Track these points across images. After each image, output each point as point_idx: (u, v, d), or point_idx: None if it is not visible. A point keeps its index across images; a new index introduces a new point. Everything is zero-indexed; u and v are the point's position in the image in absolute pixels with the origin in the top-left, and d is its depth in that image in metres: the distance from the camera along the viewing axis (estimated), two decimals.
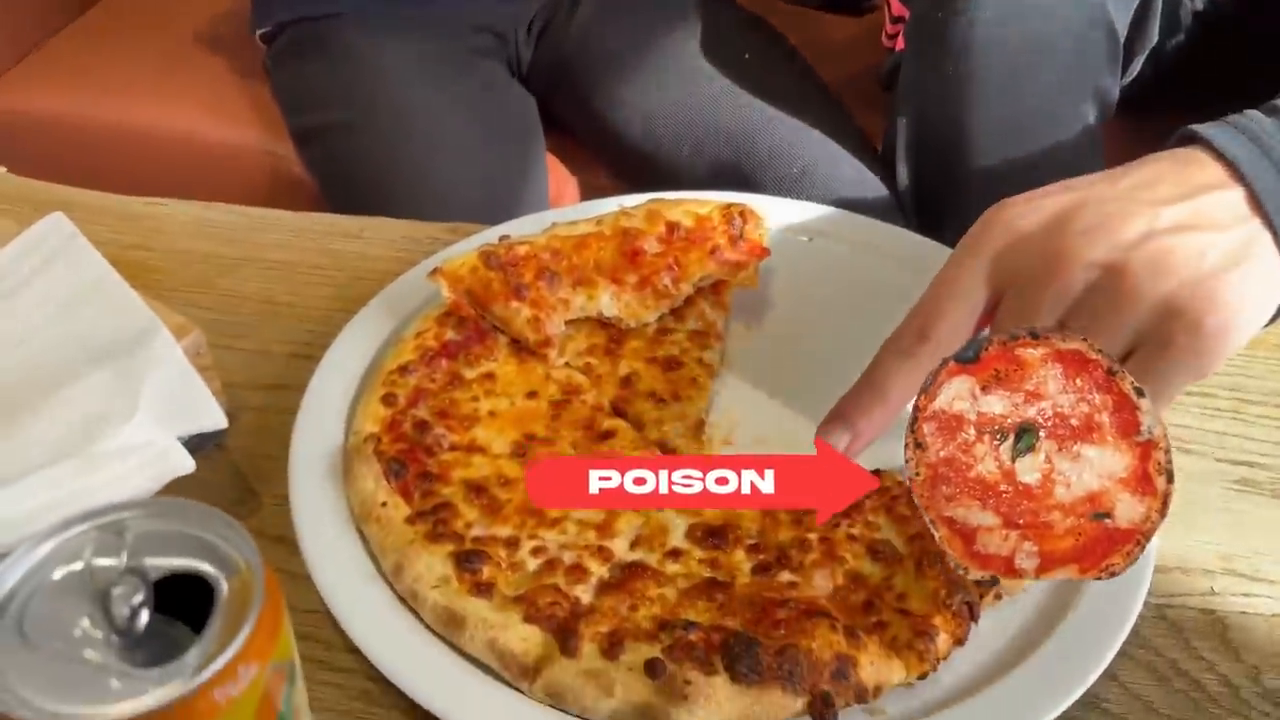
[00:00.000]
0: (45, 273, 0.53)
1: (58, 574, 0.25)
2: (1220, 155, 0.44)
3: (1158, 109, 0.92)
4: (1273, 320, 0.45)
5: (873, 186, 0.78)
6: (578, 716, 0.40)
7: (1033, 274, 0.42)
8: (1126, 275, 0.42)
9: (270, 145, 0.90)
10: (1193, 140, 0.46)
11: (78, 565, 0.25)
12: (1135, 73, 0.76)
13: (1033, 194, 0.45)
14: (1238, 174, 0.44)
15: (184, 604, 0.25)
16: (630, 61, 0.86)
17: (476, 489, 0.48)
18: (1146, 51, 0.74)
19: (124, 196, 0.70)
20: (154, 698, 0.23)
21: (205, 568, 0.25)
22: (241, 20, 0.96)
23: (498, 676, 0.41)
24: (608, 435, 0.51)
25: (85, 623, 0.24)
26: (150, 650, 0.24)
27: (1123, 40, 0.72)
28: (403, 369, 0.52)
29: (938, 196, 0.76)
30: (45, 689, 0.23)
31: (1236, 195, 0.44)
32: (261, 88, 0.92)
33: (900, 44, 0.77)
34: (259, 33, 0.92)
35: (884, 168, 0.79)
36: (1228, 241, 0.43)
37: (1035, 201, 0.45)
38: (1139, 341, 0.42)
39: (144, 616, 0.24)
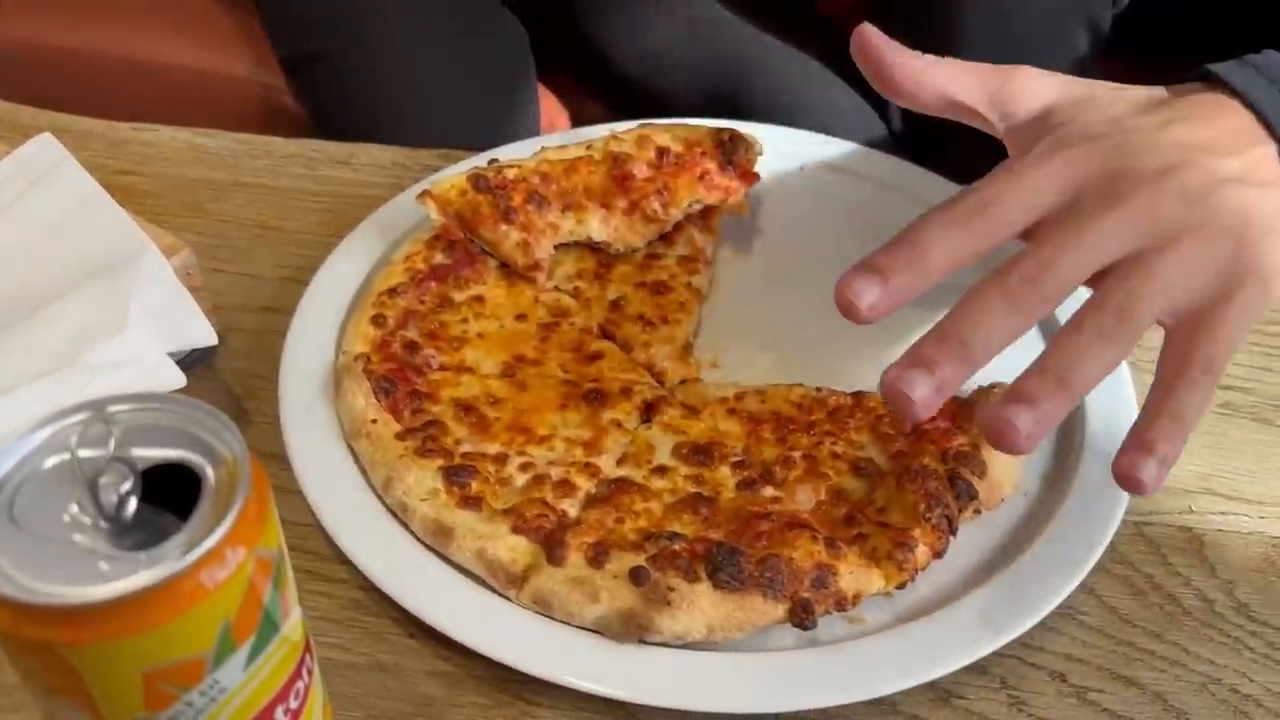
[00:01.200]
0: (34, 193, 0.53)
1: (48, 462, 0.25)
2: (1249, 105, 0.44)
3: (1151, 41, 0.92)
4: None
5: (867, 117, 0.77)
6: (564, 622, 0.41)
7: (1101, 201, 0.40)
8: (1201, 227, 0.40)
9: (261, 75, 0.89)
10: (1212, 79, 0.45)
11: (65, 454, 0.25)
12: (1126, 1, 0.75)
13: (1111, 124, 0.43)
14: (1266, 125, 0.43)
15: (172, 494, 0.26)
16: None
17: (465, 407, 0.48)
18: None
19: (112, 122, 0.69)
20: (142, 579, 0.23)
21: (192, 457, 0.26)
22: None
23: (485, 585, 0.42)
24: (596, 357, 0.52)
25: (74, 509, 0.25)
26: (139, 536, 0.25)
27: None
28: (392, 291, 0.52)
29: (928, 127, 0.75)
30: (36, 570, 0.24)
31: (1271, 150, 0.43)
32: (252, 18, 0.91)
33: None
34: None
35: (878, 101, 0.79)
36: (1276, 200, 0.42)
37: (1118, 138, 0.42)
38: (1201, 295, 0.39)
39: (132, 504, 0.25)
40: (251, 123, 0.89)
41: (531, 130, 0.85)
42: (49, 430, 0.26)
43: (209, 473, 0.26)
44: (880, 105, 0.79)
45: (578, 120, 0.92)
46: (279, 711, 0.28)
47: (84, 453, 0.25)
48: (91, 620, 0.24)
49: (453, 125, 0.78)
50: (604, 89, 0.89)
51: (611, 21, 0.85)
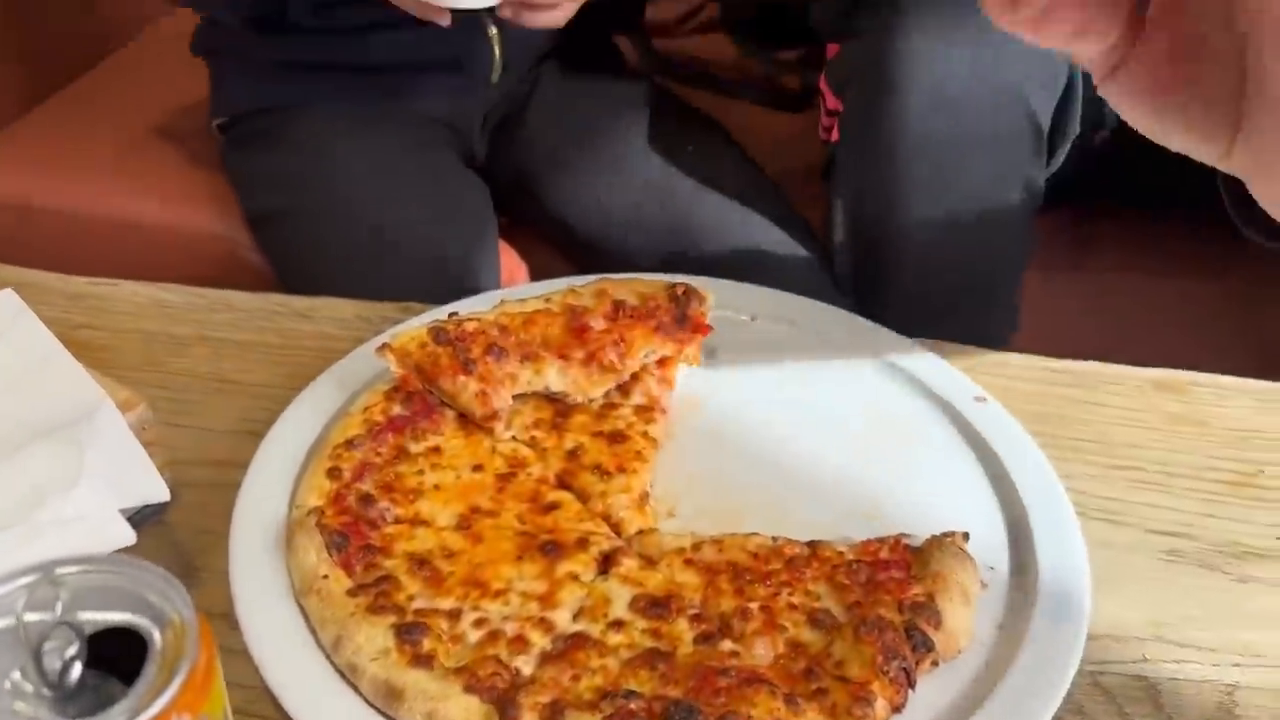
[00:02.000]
0: None
1: None
2: None
3: (1088, 196, 0.97)
4: None
5: (813, 270, 0.80)
6: None
7: None
8: None
9: (224, 230, 0.91)
10: None
11: (11, 619, 0.25)
12: (1059, 163, 0.79)
13: None
14: None
15: (118, 657, 0.25)
16: (581, 156, 0.89)
17: (419, 561, 0.48)
18: (1069, 143, 0.78)
19: (71, 276, 0.70)
20: None
21: (139, 621, 0.26)
22: (196, 111, 0.98)
23: None
24: (553, 508, 0.52)
25: (17, 675, 0.24)
26: (83, 703, 0.24)
27: (1046, 133, 0.75)
28: (349, 443, 0.53)
29: (875, 281, 0.78)
30: None
31: None
32: (215, 175, 0.94)
33: (835, 136, 0.80)
34: (216, 122, 0.94)
35: (823, 253, 0.82)
36: None
37: None
38: None
39: (76, 669, 0.25)
40: (213, 276, 0.90)
41: (492, 285, 0.87)
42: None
43: (156, 637, 0.25)
44: (824, 253, 0.82)
45: (538, 275, 0.94)
46: None
47: (30, 617, 0.25)
48: None
49: (416, 280, 0.80)
50: (563, 246, 0.92)
51: (571, 184, 0.89)
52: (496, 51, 0.92)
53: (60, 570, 0.26)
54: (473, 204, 0.89)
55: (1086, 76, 0.73)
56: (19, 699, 0.24)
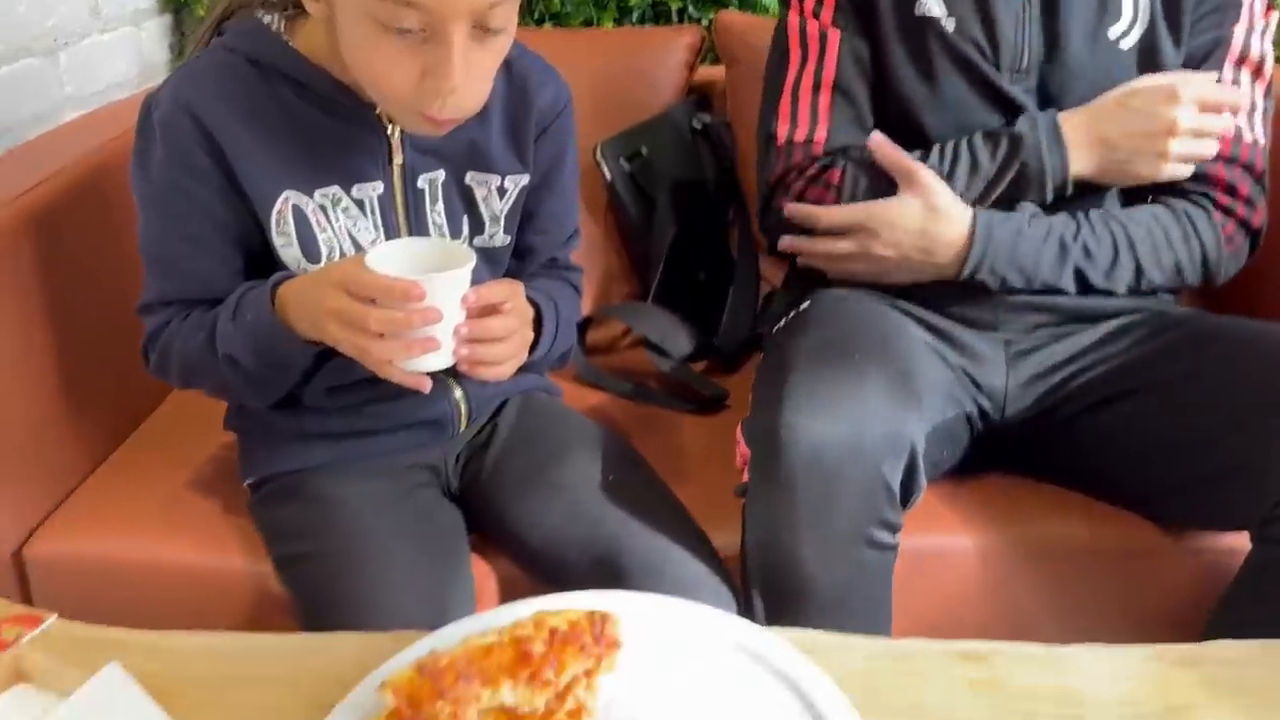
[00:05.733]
0: (105, 712, 0.72)
1: None
2: None
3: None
4: None
5: (711, 580, 1.01)
6: None
7: None
8: None
9: (255, 569, 1.11)
10: None
11: None
12: (918, 500, 1.03)
13: None
14: None
15: None
16: (528, 487, 1.11)
17: None
18: (919, 493, 1.02)
19: (142, 632, 0.89)
20: None
21: None
22: (231, 469, 1.20)
23: None
24: None
25: None
26: None
27: (898, 490, 0.99)
28: None
29: (778, 591, 1.00)
30: None
31: None
32: (245, 522, 1.15)
33: (746, 476, 1.04)
34: (246, 483, 1.16)
35: (719, 564, 1.04)
36: None
37: None
38: None
39: None
40: (248, 607, 1.10)
41: (468, 594, 1.07)
42: None
43: None
44: (723, 572, 1.03)
45: (501, 577, 1.15)
46: None
47: None
48: None
49: (405, 604, 0.99)
50: (517, 555, 1.13)
51: (519, 508, 1.11)
52: (463, 409, 1.16)
53: None
54: (449, 533, 1.10)
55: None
56: None
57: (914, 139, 1.21)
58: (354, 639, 0.88)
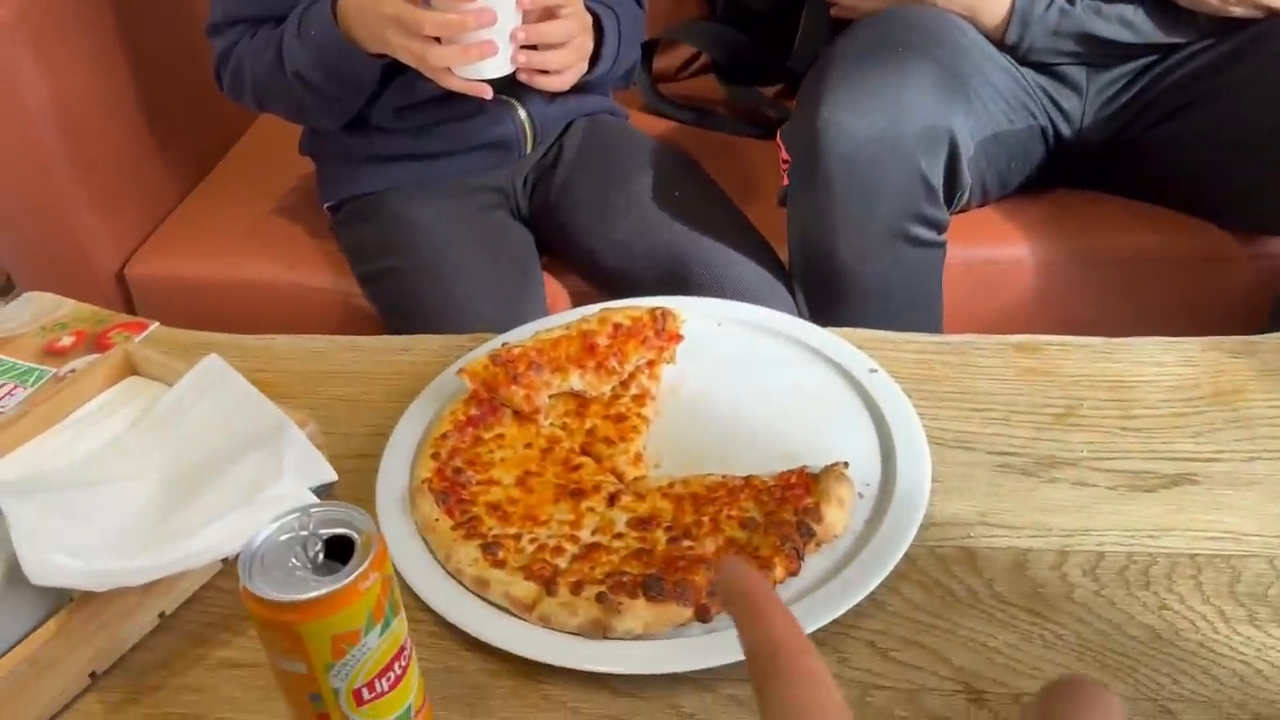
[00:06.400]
0: (209, 394, 0.79)
1: (281, 536, 0.50)
2: None
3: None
4: None
5: (771, 283, 1.03)
6: (559, 630, 0.64)
7: None
8: None
9: (342, 286, 1.16)
10: None
11: (289, 533, 0.50)
12: (963, 202, 1.01)
13: None
14: None
15: (340, 549, 0.50)
16: (596, 204, 1.12)
17: (494, 507, 0.72)
18: (965, 191, 0.99)
19: (241, 335, 0.96)
20: (330, 585, 0.47)
21: (348, 532, 0.50)
22: (306, 193, 1.24)
23: (510, 613, 0.65)
24: (578, 468, 0.76)
25: (294, 560, 0.49)
26: (326, 570, 0.49)
27: (940, 186, 0.97)
28: (443, 436, 0.77)
29: (821, 291, 1.01)
30: (278, 587, 0.48)
31: None
32: (328, 243, 1.19)
33: (786, 180, 1.02)
34: (326, 205, 1.19)
35: (783, 270, 1.05)
36: None
37: None
38: None
39: (321, 555, 0.49)
40: (336, 320, 1.16)
41: (540, 306, 1.11)
42: (280, 521, 0.50)
43: (357, 538, 0.50)
44: (786, 279, 1.04)
45: (573, 293, 1.18)
46: (395, 665, 0.52)
47: (298, 531, 0.50)
48: (308, 609, 0.48)
49: (482, 311, 1.04)
50: (589, 272, 1.16)
51: (590, 226, 1.13)
52: (528, 131, 1.16)
53: (311, 510, 0.50)
54: (521, 249, 1.13)
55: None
56: (298, 568, 0.48)
57: None
58: (435, 340, 0.92)
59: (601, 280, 1.14)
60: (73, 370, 0.90)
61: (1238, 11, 1.08)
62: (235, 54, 1.08)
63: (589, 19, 1.04)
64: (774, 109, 1.45)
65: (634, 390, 0.82)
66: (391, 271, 1.09)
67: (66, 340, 0.95)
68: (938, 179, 0.96)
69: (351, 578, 0.48)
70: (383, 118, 1.12)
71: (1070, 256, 1.12)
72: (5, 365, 0.92)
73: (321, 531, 0.50)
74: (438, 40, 0.92)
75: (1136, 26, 1.10)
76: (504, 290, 1.07)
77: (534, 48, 0.96)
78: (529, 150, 1.18)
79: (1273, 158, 1.00)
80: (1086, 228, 1.14)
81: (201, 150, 1.38)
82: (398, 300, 1.09)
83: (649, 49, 1.51)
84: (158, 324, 0.97)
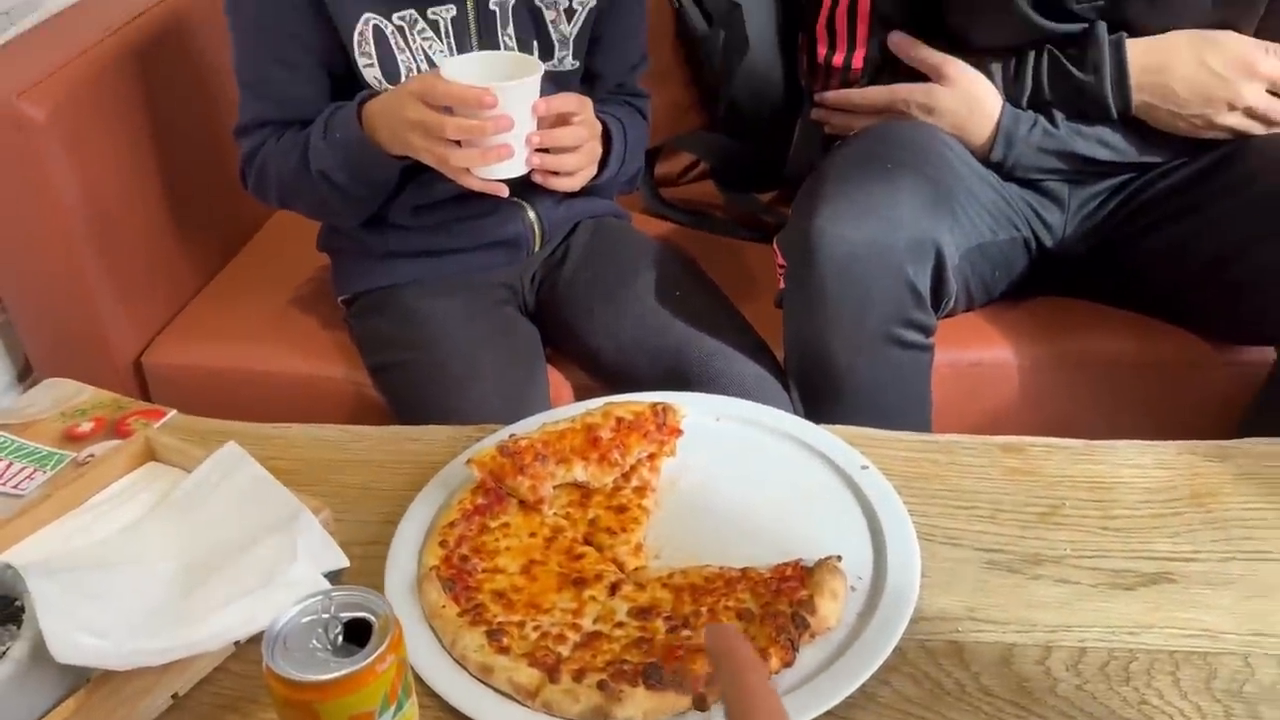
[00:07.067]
0: (228, 480, 0.81)
1: (304, 619, 0.52)
2: None
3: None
4: None
5: (768, 380, 1.06)
6: (561, 717, 0.65)
7: None
8: None
9: (353, 376, 1.20)
10: None
11: (311, 615, 0.52)
12: (949, 307, 1.06)
13: None
14: None
15: (359, 632, 0.52)
16: (600, 302, 1.16)
17: (499, 594, 0.74)
18: (951, 298, 1.04)
19: (258, 424, 0.98)
20: (350, 666, 0.50)
21: (367, 615, 0.52)
22: (326, 288, 1.28)
23: (514, 699, 0.67)
24: (580, 557, 0.78)
25: (315, 641, 0.51)
26: (345, 652, 0.51)
27: (927, 293, 1.01)
28: (451, 524, 0.79)
29: (816, 389, 1.05)
30: (300, 667, 0.50)
31: None
32: (342, 335, 1.23)
33: (782, 284, 1.07)
34: (341, 299, 1.24)
35: (777, 367, 1.09)
36: None
37: None
38: None
39: (340, 638, 0.51)
40: (347, 410, 1.19)
41: (543, 400, 1.14)
42: (301, 604, 0.53)
43: (375, 621, 0.52)
44: (782, 377, 1.08)
45: (575, 386, 1.21)
46: None
47: (319, 614, 0.52)
48: (328, 689, 0.50)
49: (489, 405, 1.07)
50: (591, 367, 1.19)
51: (593, 323, 1.16)
52: (537, 230, 1.21)
53: (331, 594, 0.53)
54: (527, 344, 1.17)
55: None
56: (319, 649, 0.50)
57: (966, 50, 1.17)
58: (443, 430, 0.95)
59: (604, 375, 1.17)
60: (91, 455, 0.93)
61: (1208, 134, 1.13)
62: (261, 154, 1.13)
63: (599, 126, 1.10)
64: (770, 214, 1.50)
65: (635, 482, 0.85)
66: (402, 364, 1.13)
67: (86, 426, 0.97)
68: (925, 287, 1.00)
69: (369, 659, 0.50)
70: (400, 216, 1.17)
71: (1053, 360, 1.16)
72: (27, 449, 0.94)
73: (341, 615, 0.53)
74: (458, 143, 0.97)
75: (1114, 146, 1.16)
76: (509, 384, 1.10)
77: (548, 151, 1.01)
78: (537, 249, 1.23)
79: (1243, 272, 1.05)
80: (1068, 333, 1.18)
81: (221, 242, 1.42)
82: (407, 391, 1.12)
83: (652, 155, 1.57)
84: (175, 411, 1.00)
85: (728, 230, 1.52)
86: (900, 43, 1.19)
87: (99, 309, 1.20)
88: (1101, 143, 1.16)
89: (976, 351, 1.17)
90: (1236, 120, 1.12)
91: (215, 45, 1.21)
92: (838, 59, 1.26)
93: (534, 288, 1.24)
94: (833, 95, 1.26)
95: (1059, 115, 1.15)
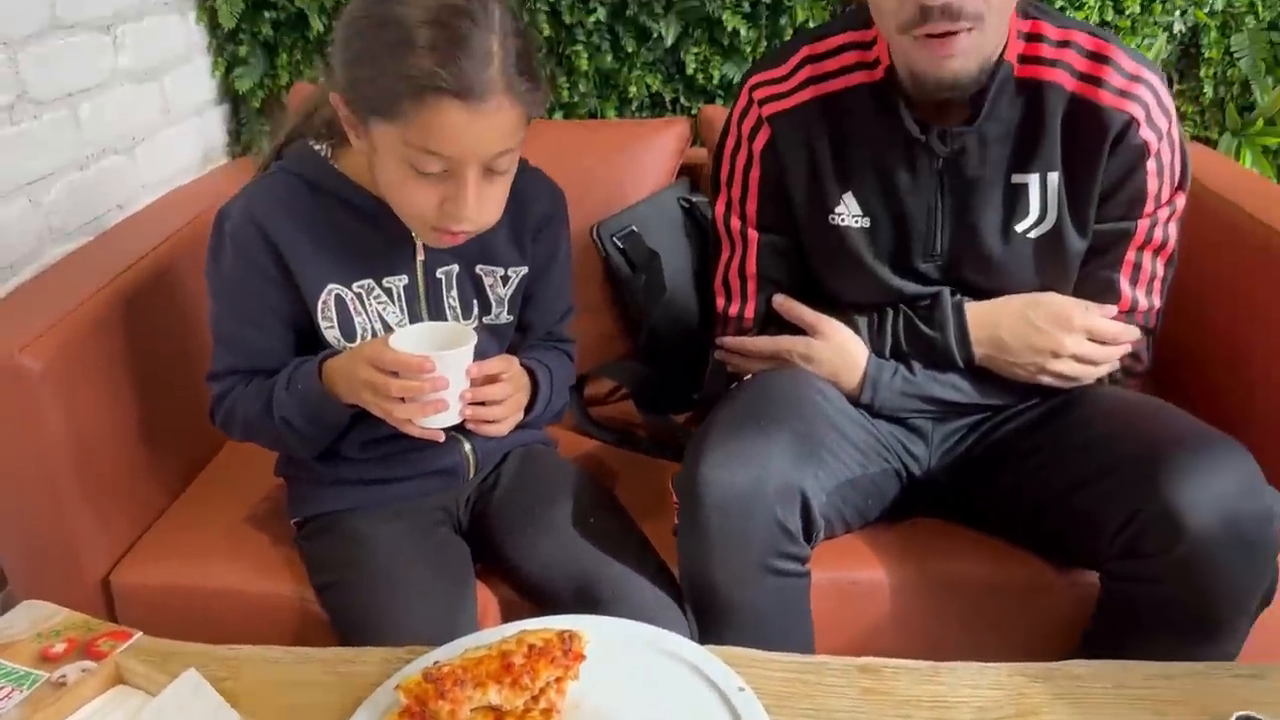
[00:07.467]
0: (186, 708, 0.93)
1: None
2: None
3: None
4: None
5: (667, 604, 1.20)
6: None
7: None
8: None
9: (303, 594, 1.31)
10: None
11: None
12: (821, 538, 1.22)
13: None
14: None
15: None
16: (524, 526, 1.31)
17: None
18: (819, 532, 1.20)
19: (213, 646, 1.10)
20: None
21: None
22: (280, 508, 1.42)
23: None
24: None
25: None
26: None
27: (798, 530, 1.18)
28: None
29: (707, 614, 1.19)
30: None
31: None
32: (295, 554, 1.36)
33: (677, 519, 1.23)
34: (293, 520, 1.37)
35: (679, 591, 1.24)
36: None
37: None
38: None
39: None
40: (293, 626, 1.31)
41: (472, 615, 1.26)
42: None
43: None
44: (679, 599, 1.23)
45: (502, 600, 1.34)
46: None
47: None
48: None
49: (422, 624, 1.18)
50: (515, 584, 1.33)
51: (517, 544, 1.31)
52: (472, 460, 1.37)
53: None
54: (459, 564, 1.30)
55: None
56: None
57: (838, 305, 1.39)
58: (379, 652, 1.08)
59: (526, 592, 1.30)
60: (64, 675, 1.04)
61: (1044, 380, 1.34)
62: (230, 398, 1.29)
63: (525, 380, 1.28)
64: (685, 435, 1.68)
65: (543, 704, 0.97)
66: (345, 584, 1.25)
67: (59, 646, 1.08)
68: (794, 526, 1.17)
69: None
70: (350, 450, 1.32)
71: (920, 580, 1.32)
72: (5, 669, 1.05)
73: None
74: (402, 399, 1.14)
75: (965, 390, 1.36)
76: (441, 601, 1.23)
77: (482, 403, 1.19)
78: (472, 476, 1.38)
79: (1075, 506, 1.23)
80: (934, 555, 1.35)
81: (186, 466, 1.56)
82: (349, 610, 1.24)
83: (583, 379, 1.75)
84: (141, 634, 1.11)
85: (648, 449, 1.68)
86: (782, 304, 1.40)
87: (74, 532, 1.32)
88: (954, 388, 1.36)
89: (854, 572, 1.32)
90: (1065, 366, 1.32)
91: (194, 296, 1.38)
92: (733, 310, 1.46)
93: (468, 510, 1.39)
94: (729, 341, 1.46)
95: (916, 364, 1.35)
